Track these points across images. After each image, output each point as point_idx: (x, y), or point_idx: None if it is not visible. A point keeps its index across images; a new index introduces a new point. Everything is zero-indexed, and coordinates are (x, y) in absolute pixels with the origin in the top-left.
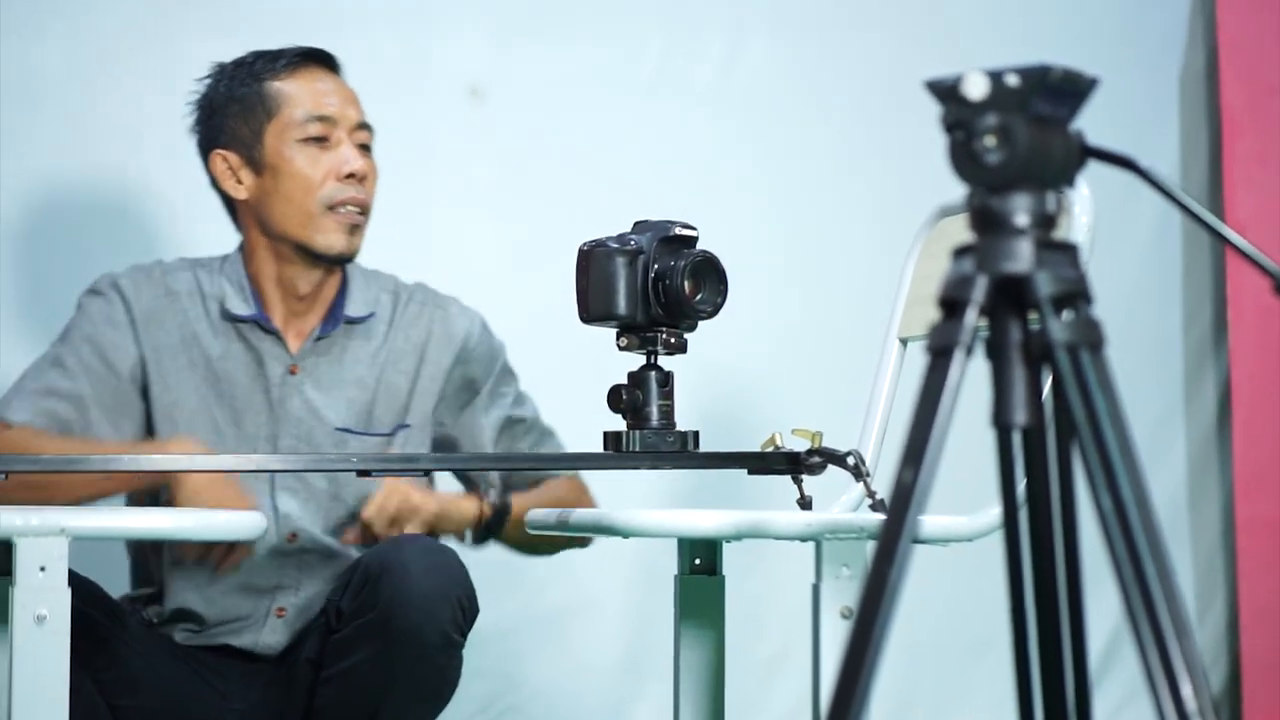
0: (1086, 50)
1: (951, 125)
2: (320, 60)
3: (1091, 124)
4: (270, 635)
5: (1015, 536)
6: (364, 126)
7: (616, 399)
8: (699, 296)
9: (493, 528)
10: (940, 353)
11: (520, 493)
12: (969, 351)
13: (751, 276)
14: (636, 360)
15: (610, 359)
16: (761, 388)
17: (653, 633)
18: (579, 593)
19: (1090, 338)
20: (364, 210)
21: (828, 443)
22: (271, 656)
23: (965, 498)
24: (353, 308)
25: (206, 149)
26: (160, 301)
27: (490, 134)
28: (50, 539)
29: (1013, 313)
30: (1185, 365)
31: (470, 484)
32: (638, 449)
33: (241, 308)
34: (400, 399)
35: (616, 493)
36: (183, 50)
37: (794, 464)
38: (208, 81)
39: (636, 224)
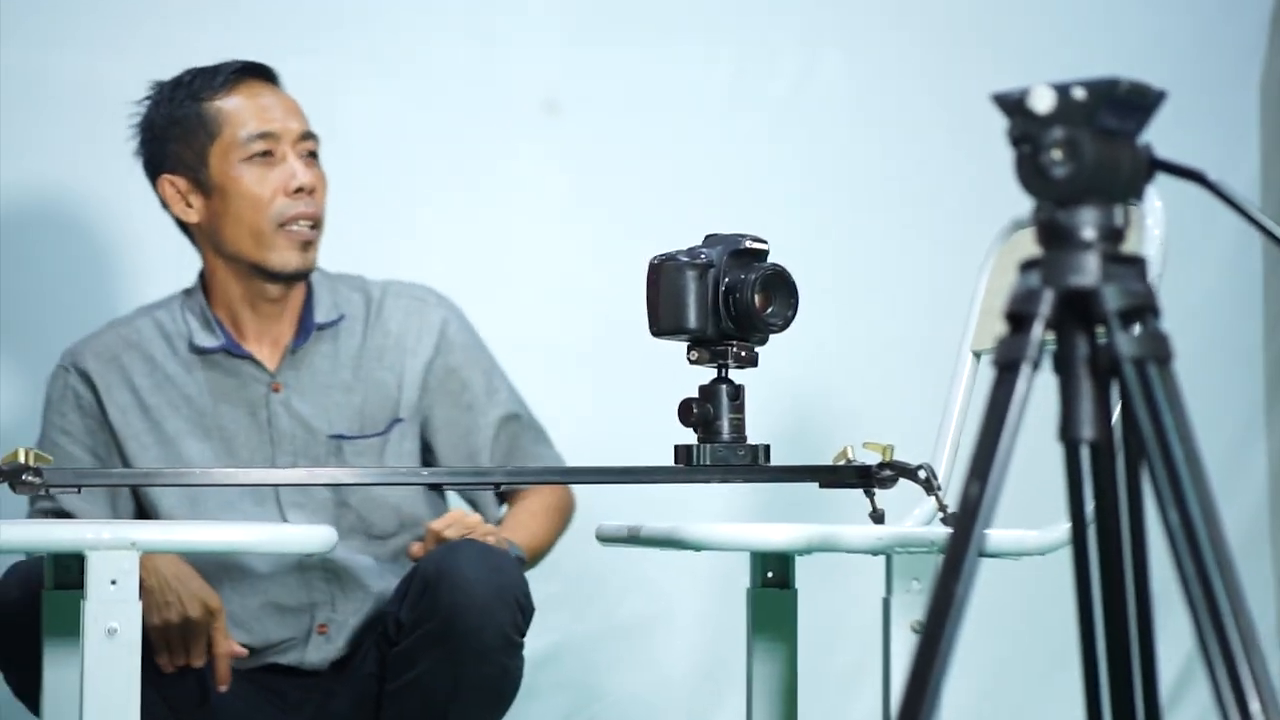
0: (1165, 63)
1: (1018, 139)
2: (258, 74)
3: (1171, 136)
4: (315, 653)
5: (1084, 552)
6: (308, 136)
7: (687, 412)
8: (769, 310)
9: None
10: (1007, 367)
11: (516, 521)
12: (1036, 366)
13: (823, 290)
14: (707, 374)
15: (682, 372)
16: (833, 401)
17: (730, 644)
18: (657, 605)
19: (1158, 352)
20: (316, 223)
21: (901, 456)
22: (324, 670)
23: (1040, 511)
24: (321, 314)
25: (154, 174)
26: (119, 362)
27: (564, 147)
28: (121, 553)
29: (1080, 327)
30: (1266, 377)
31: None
32: (709, 463)
33: (209, 340)
34: (390, 394)
35: (688, 506)
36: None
37: (865, 478)
38: (147, 103)
39: (707, 237)
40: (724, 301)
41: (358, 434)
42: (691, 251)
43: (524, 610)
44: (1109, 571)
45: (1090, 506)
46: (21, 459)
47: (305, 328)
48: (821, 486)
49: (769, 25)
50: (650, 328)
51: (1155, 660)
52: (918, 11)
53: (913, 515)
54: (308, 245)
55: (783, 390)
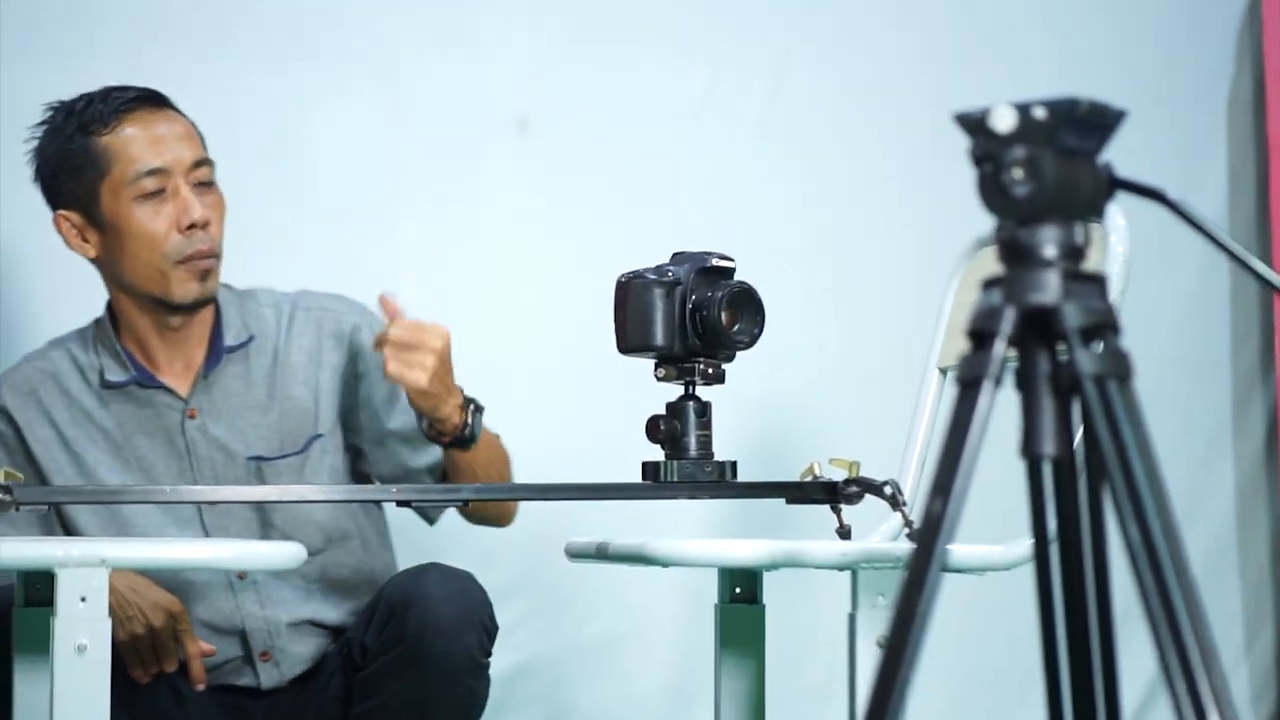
0: (1132, 81)
1: (980, 158)
2: (148, 102)
3: (1138, 153)
4: (268, 677)
5: (1046, 568)
6: (201, 163)
7: (655, 429)
8: (736, 327)
9: (465, 442)
10: (969, 384)
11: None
12: (998, 382)
13: (790, 307)
14: (675, 391)
15: (650, 389)
16: (800, 418)
17: (700, 659)
18: (628, 620)
19: (1118, 369)
20: (214, 254)
21: (868, 472)
22: (284, 688)
23: (1006, 526)
24: (230, 336)
25: (51, 207)
26: (37, 396)
27: (536, 164)
28: (91, 570)
29: (1041, 344)
30: (1234, 391)
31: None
32: (676, 479)
33: (119, 374)
34: (306, 410)
35: (657, 523)
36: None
37: (831, 494)
38: (41, 131)
39: (674, 255)
40: (691, 319)
41: (276, 454)
42: (659, 269)
43: (489, 631)
44: (1071, 587)
45: (1053, 522)
46: None
47: (215, 351)
48: (789, 502)
49: (740, 41)
50: (618, 345)
51: (1117, 675)
52: (884, 29)
53: (879, 531)
54: (207, 274)
55: (750, 407)
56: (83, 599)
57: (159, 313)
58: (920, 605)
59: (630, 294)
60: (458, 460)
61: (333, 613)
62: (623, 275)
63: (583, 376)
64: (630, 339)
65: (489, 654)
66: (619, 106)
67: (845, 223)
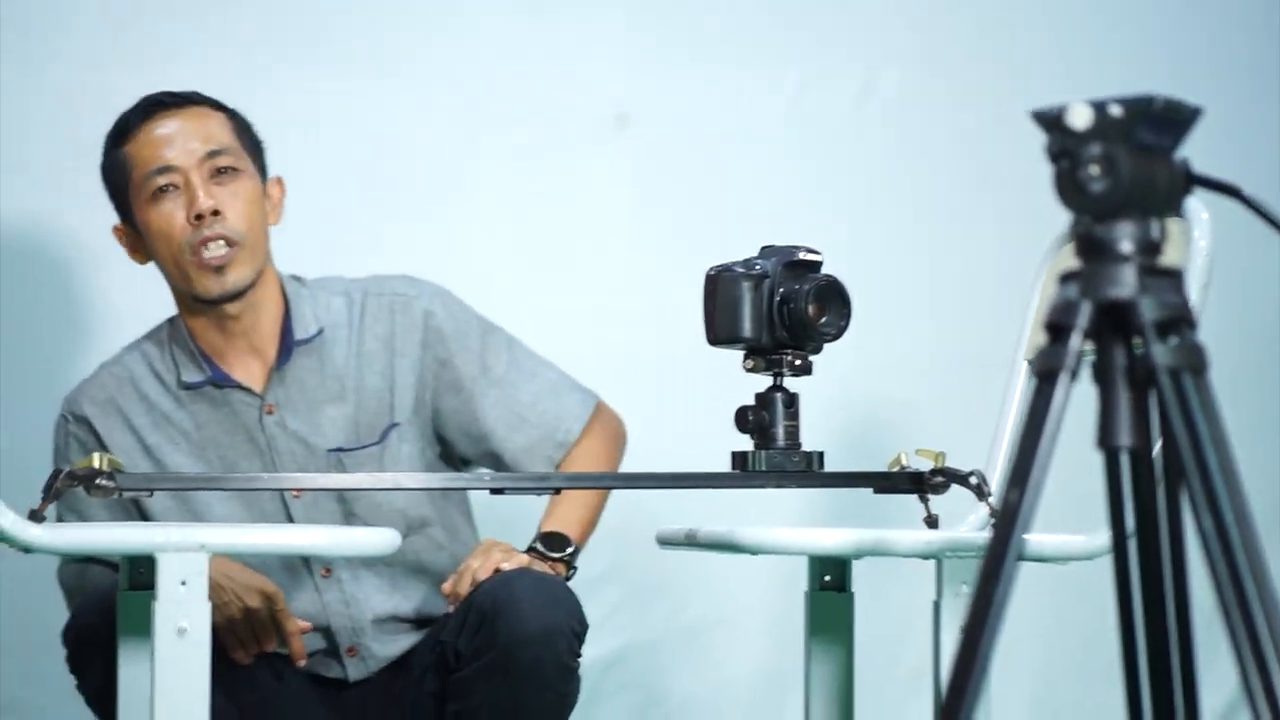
0: (1215, 77)
1: (1056, 155)
2: (169, 103)
3: (1216, 150)
4: (356, 670)
5: (1124, 559)
6: (216, 153)
7: (743, 420)
8: (823, 320)
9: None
10: (1046, 376)
11: (571, 517)
12: (1074, 375)
13: (878, 300)
14: (763, 381)
15: (740, 380)
16: (887, 410)
17: (791, 648)
18: (720, 608)
19: (1193, 362)
20: (230, 241)
21: (955, 463)
22: (374, 678)
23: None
24: (299, 330)
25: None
26: (116, 404)
27: (632, 160)
28: (190, 554)
29: (1118, 338)
30: None
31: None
32: (764, 469)
33: (195, 374)
34: (383, 399)
35: (746, 512)
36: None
37: (918, 484)
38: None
39: (763, 249)
40: (778, 311)
41: (355, 445)
42: (747, 263)
43: (579, 635)
44: (1149, 575)
45: (1132, 514)
46: (96, 464)
47: (286, 345)
48: (875, 492)
49: (834, 43)
50: (707, 337)
51: (1194, 663)
52: (972, 32)
53: (967, 521)
54: (222, 268)
55: (837, 398)
56: (183, 583)
57: (205, 308)
58: (997, 593)
59: (719, 286)
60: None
61: (417, 603)
62: (712, 268)
63: (673, 368)
64: (719, 331)
65: (579, 657)
66: (715, 104)
67: (934, 217)
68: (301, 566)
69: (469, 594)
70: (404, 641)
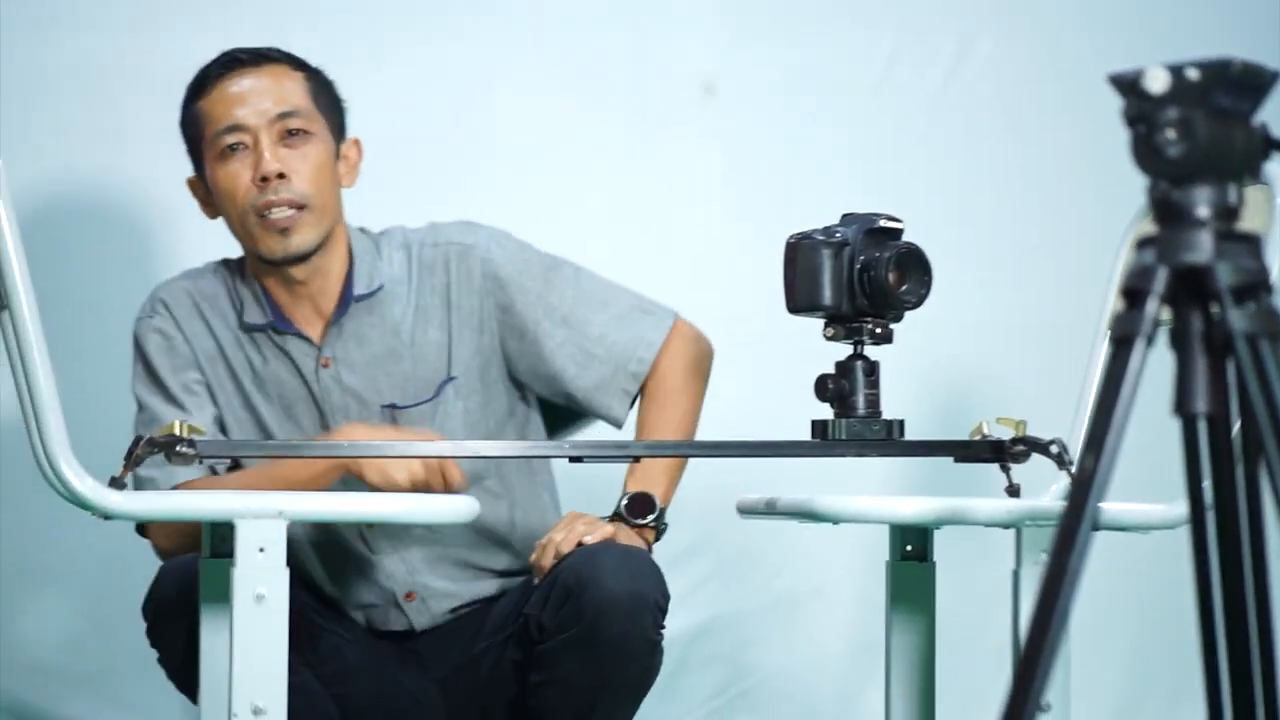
0: None
1: (1133, 119)
2: (245, 60)
3: None
4: (419, 616)
5: (1201, 525)
6: (287, 114)
7: (823, 388)
8: (904, 287)
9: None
10: (1122, 341)
11: (655, 473)
12: (1151, 341)
13: (960, 268)
14: (843, 350)
15: (820, 349)
16: (968, 378)
17: (881, 619)
18: (809, 580)
19: (1271, 328)
20: (295, 204)
21: (1039, 433)
22: (445, 627)
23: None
24: (360, 285)
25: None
26: (200, 310)
27: (719, 128)
28: (269, 521)
29: (1194, 303)
30: None
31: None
32: (844, 437)
33: (257, 316)
34: (440, 354)
35: (827, 482)
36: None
37: (998, 452)
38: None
39: (844, 216)
40: (859, 279)
41: (410, 401)
42: (827, 230)
43: (663, 608)
44: (1227, 545)
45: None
46: (176, 431)
47: (345, 300)
48: (956, 461)
49: (926, 12)
50: (787, 305)
51: (1273, 631)
52: (1064, 4)
53: (1050, 491)
54: (287, 230)
55: (918, 366)
56: (261, 549)
57: (268, 267)
58: (1072, 560)
59: (799, 254)
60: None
61: (471, 550)
62: (792, 236)
63: (754, 336)
64: (799, 299)
65: (663, 630)
66: (803, 74)
67: (1018, 186)
68: None
69: (553, 567)
70: (462, 589)
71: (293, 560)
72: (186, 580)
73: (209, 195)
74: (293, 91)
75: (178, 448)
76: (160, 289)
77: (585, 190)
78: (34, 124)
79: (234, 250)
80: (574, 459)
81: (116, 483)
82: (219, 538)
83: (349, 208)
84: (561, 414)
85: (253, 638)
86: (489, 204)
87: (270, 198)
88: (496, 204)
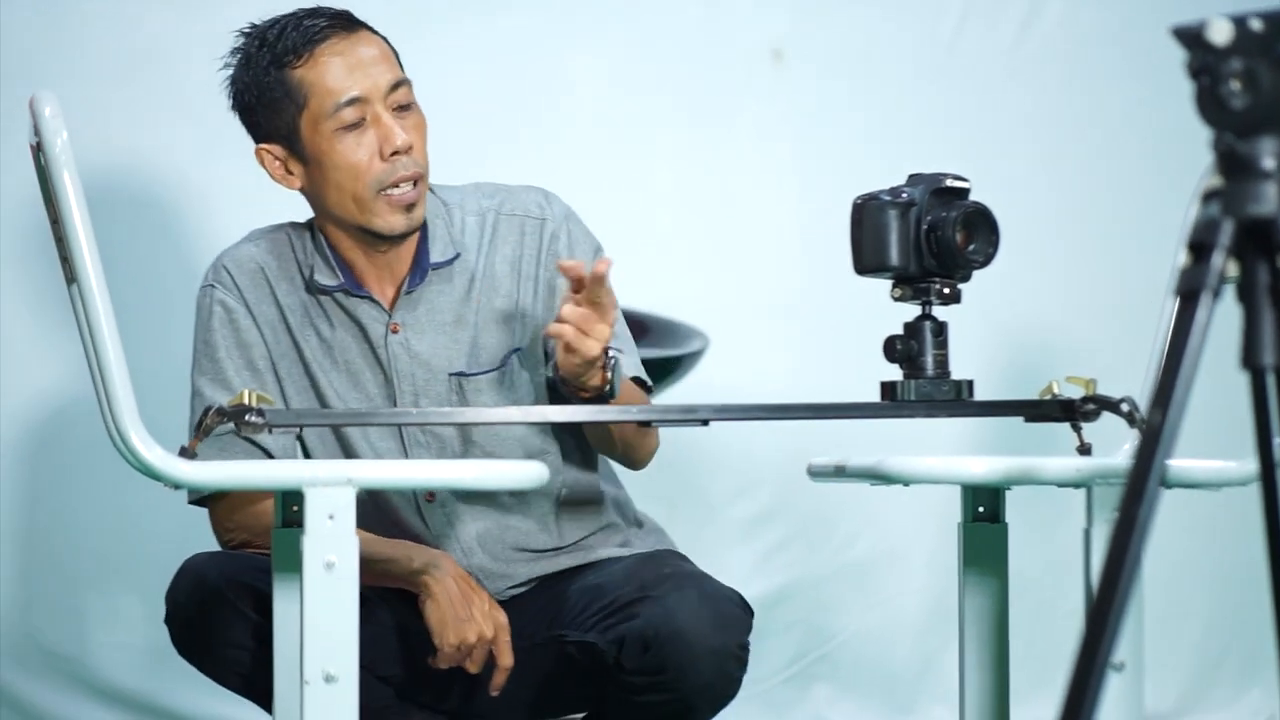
0: None
1: (1197, 71)
2: (340, 27)
3: None
4: None
5: (1271, 481)
6: (399, 85)
7: (892, 349)
8: (971, 247)
9: (605, 398)
10: (1188, 295)
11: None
12: (1217, 294)
13: (1028, 228)
14: (911, 311)
15: (888, 309)
16: (1038, 337)
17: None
18: (886, 543)
19: None
20: (419, 179)
21: (1110, 392)
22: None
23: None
24: (435, 252)
25: (254, 140)
26: (263, 274)
27: (787, 95)
28: (338, 489)
29: (1261, 255)
30: None
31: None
32: (913, 398)
33: (329, 278)
34: (508, 323)
35: (898, 444)
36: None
37: (1069, 411)
38: (234, 65)
39: (910, 177)
40: (926, 239)
41: (477, 370)
42: (894, 190)
43: (746, 647)
44: None
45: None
46: (246, 400)
47: (421, 268)
48: (1026, 420)
49: None
50: (854, 265)
51: None
52: None
53: (1122, 450)
54: (411, 206)
55: (987, 326)
56: (330, 516)
57: (365, 240)
58: (1140, 516)
59: (865, 215)
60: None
61: (527, 529)
62: (858, 197)
63: (822, 298)
64: (866, 259)
65: (746, 658)
66: (871, 39)
67: (1086, 144)
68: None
69: (630, 618)
70: (517, 569)
71: None
72: (205, 581)
73: (292, 163)
74: (391, 57)
75: (247, 417)
76: (224, 255)
77: (653, 158)
78: (101, 101)
79: (298, 214)
80: (643, 424)
81: (186, 453)
82: (289, 507)
83: None
84: None
85: (323, 605)
86: (558, 173)
87: (401, 173)
88: (566, 173)
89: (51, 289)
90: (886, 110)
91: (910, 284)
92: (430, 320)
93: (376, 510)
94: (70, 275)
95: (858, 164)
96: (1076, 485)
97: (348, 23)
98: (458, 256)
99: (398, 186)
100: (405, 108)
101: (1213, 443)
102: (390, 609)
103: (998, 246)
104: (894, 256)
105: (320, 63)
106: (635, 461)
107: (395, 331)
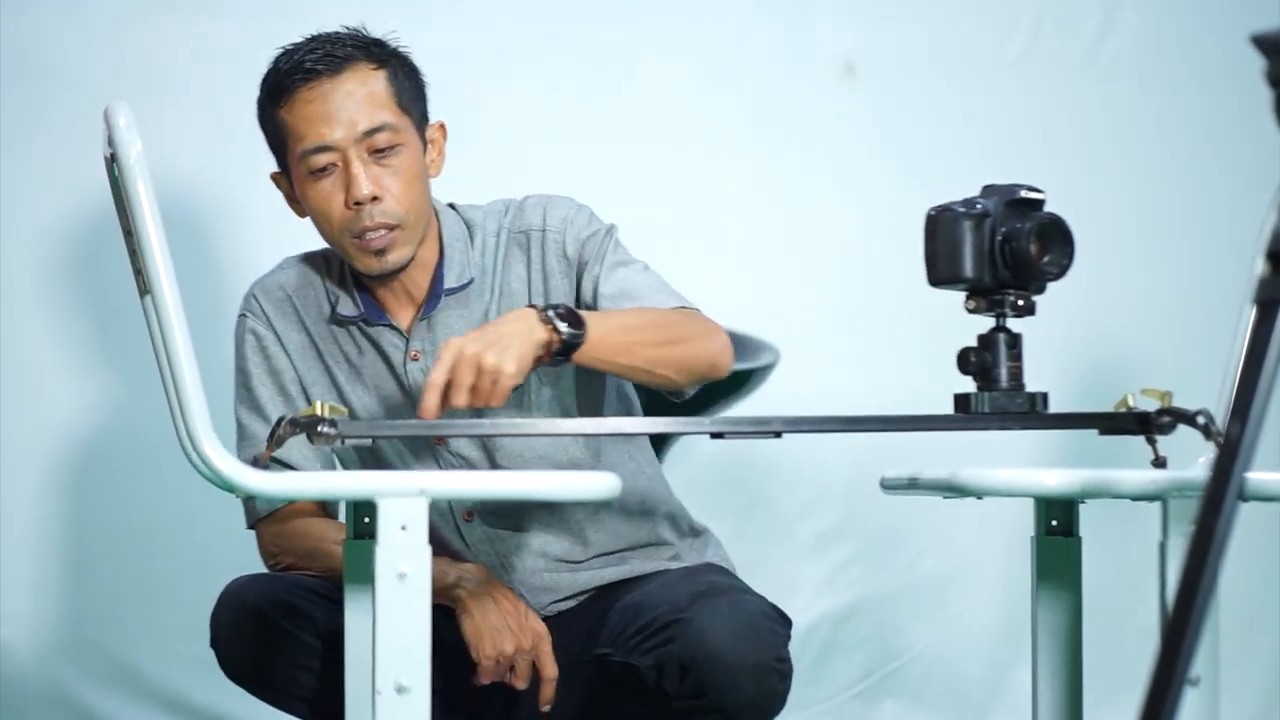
0: None
1: (1276, 79)
2: (327, 65)
3: None
4: None
5: None
6: (375, 130)
7: (965, 361)
8: (1046, 258)
9: (567, 353)
10: (1267, 305)
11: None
12: None
13: (1103, 239)
14: (985, 323)
15: (962, 321)
16: (1112, 349)
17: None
18: (955, 559)
19: None
20: (388, 226)
21: (1186, 404)
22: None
23: None
24: (450, 278)
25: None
26: (292, 303)
27: (860, 107)
28: (410, 500)
29: None
30: None
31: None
32: (987, 410)
33: (350, 308)
34: None
35: (973, 458)
36: None
37: (1144, 424)
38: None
39: (985, 188)
40: (1000, 251)
41: None
42: (968, 202)
43: (785, 659)
44: None
45: None
46: (318, 412)
47: (435, 293)
48: (1101, 433)
49: None
50: (928, 277)
51: None
52: None
53: (1197, 463)
54: (383, 250)
55: (1061, 338)
56: (403, 527)
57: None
58: (1218, 529)
59: (940, 226)
60: (586, 364)
61: (567, 544)
62: (932, 208)
63: (896, 310)
64: (940, 271)
65: (787, 662)
66: (944, 50)
67: (1161, 155)
68: (445, 506)
69: (660, 629)
70: (560, 581)
71: None
72: (245, 604)
73: (294, 193)
74: (378, 99)
75: (319, 428)
76: (256, 283)
77: (724, 170)
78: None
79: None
80: (715, 435)
81: (259, 463)
82: (360, 519)
83: (460, 183)
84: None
85: (396, 616)
86: (628, 186)
87: (365, 222)
88: (636, 186)
89: (106, 303)
90: (960, 122)
91: (984, 296)
92: None
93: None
94: (144, 287)
95: (931, 175)
96: (1152, 499)
97: (336, 61)
98: (471, 282)
99: (365, 234)
100: (383, 151)
101: None
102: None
103: (1072, 258)
104: (968, 268)
105: (296, 107)
106: (679, 383)
107: (415, 359)
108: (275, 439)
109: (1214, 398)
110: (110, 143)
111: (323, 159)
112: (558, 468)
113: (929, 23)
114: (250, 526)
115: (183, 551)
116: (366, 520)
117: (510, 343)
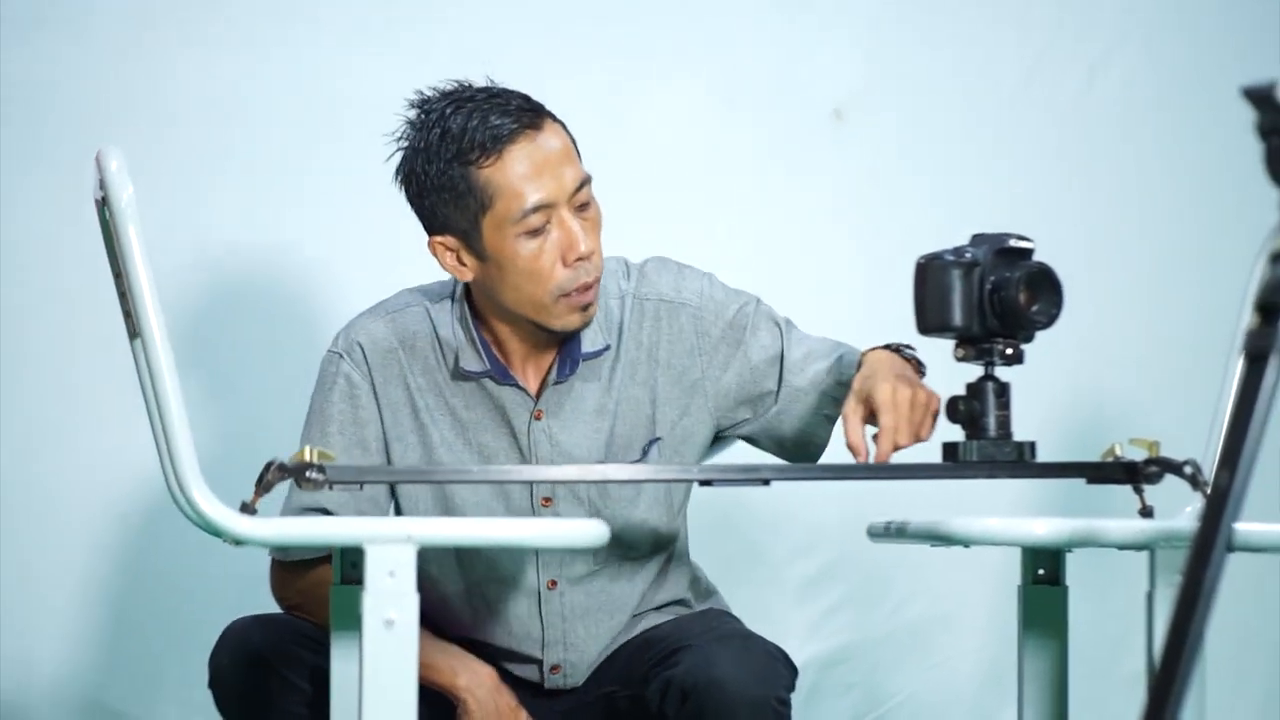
0: None
1: (1267, 131)
2: (527, 122)
3: None
4: (553, 683)
5: None
6: (583, 184)
7: (954, 409)
8: (1035, 307)
9: None
10: (1256, 357)
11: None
12: None
13: (1091, 289)
14: (974, 371)
15: (949, 370)
16: (1100, 399)
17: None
18: (941, 606)
19: None
20: (597, 280)
21: (1173, 454)
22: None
23: None
24: (587, 343)
25: (426, 229)
26: (396, 355)
27: (849, 153)
28: (398, 546)
29: None
30: None
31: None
32: (975, 459)
33: (475, 364)
34: (644, 411)
35: (960, 505)
36: None
37: (1132, 474)
38: (407, 146)
39: (974, 237)
40: (989, 299)
41: (615, 460)
42: (957, 250)
43: (786, 701)
44: None
45: None
46: (307, 457)
47: (571, 358)
48: (1089, 482)
49: (1056, 29)
50: (917, 325)
51: None
52: (1200, 19)
53: (1184, 513)
54: (588, 306)
55: (1050, 388)
56: (391, 574)
57: (533, 331)
58: (1206, 580)
59: (929, 275)
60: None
61: (623, 622)
62: (921, 256)
63: None
64: (929, 319)
65: (787, 705)
66: (932, 96)
67: (1149, 204)
68: (530, 573)
69: (670, 654)
70: (604, 633)
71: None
72: (247, 645)
73: (462, 255)
74: (571, 152)
75: (307, 473)
76: (357, 326)
77: (716, 213)
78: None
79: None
80: (704, 482)
81: (247, 508)
82: (348, 564)
83: None
84: None
85: (383, 663)
86: (624, 227)
87: (584, 280)
88: (629, 226)
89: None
90: (949, 170)
91: (973, 344)
92: (575, 411)
93: (487, 607)
94: (133, 330)
95: (920, 223)
96: (1139, 548)
97: (534, 115)
98: (607, 348)
99: (583, 291)
100: (585, 206)
101: (1268, 505)
102: (426, 704)
103: (1061, 307)
104: (957, 317)
105: (508, 165)
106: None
107: (539, 418)
108: (263, 484)
109: (1201, 448)
110: (101, 186)
111: (541, 217)
112: (658, 541)
113: (918, 70)
114: (270, 554)
115: (190, 601)
116: (354, 566)
117: (914, 377)
